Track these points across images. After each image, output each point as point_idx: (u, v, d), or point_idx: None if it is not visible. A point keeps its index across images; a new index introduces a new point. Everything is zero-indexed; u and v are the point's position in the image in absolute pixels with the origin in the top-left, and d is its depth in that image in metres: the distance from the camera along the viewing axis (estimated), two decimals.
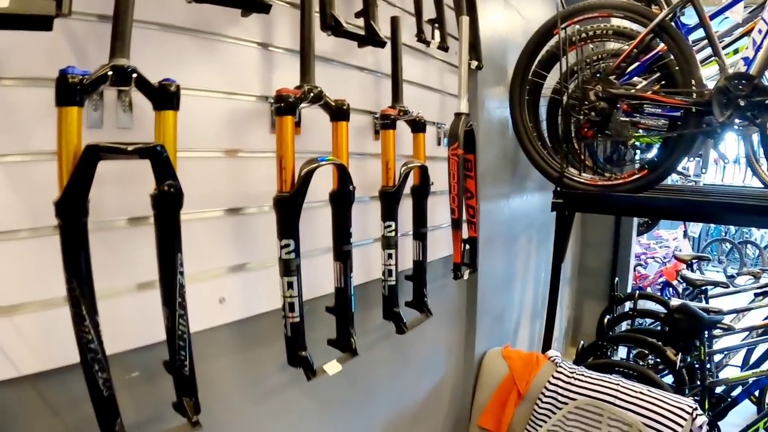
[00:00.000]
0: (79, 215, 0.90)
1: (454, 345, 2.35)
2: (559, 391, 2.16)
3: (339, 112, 1.33)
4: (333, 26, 1.33)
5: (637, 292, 3.90)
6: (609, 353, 3.14)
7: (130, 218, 1.08)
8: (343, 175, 1.30)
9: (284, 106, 1.19)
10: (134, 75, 0.96)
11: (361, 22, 1.47)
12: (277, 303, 1.24)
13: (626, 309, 3.61)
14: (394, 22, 1.57)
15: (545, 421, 2.14)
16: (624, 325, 3.61)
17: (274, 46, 1.33)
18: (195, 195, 1.05)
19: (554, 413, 2.13)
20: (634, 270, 4.56)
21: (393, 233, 1.53)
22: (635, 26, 2.08)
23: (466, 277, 1.99)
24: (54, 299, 0.99)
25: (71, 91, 0.89)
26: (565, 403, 2.12)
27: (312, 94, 1.25)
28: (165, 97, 0.99)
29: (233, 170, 1.26)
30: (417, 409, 2.12)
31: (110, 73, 0.93)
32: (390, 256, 1.54)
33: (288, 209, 1.18)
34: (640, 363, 3.22)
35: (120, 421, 0.97)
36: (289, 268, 1.19)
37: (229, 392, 1.31)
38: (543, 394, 2.18)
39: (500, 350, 2.44)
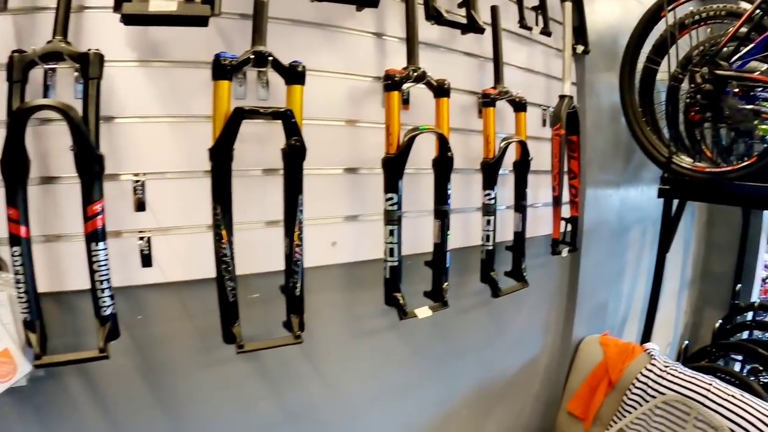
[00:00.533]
0: (226, 159, 1.19)
1: (552, 325, 2.41)
2: (650, 383, 2.11)
3: (440, 90, 1.53)
4: (435, 16, 1.53)
5: (759, 301, 3.58)
6: (718, 361, 2.89)
7: (263, 169, 1.36)
8: (442, 143, 1.49)
9: (391, 83, 1.42)
10: (270, 58, 1.24)
11: (463, 11, 1.64)
12: (379, 253, 1.46)
13: (747, 319, 3.37)
14: (494, 10, 1.73)
15: (631, 412, 2.11)
16: (741, 336, 3.34)
17: (385, 35, 1.57)
18: (319, 155, 1.29)
19: (641, 405, 2.10)
20: (764, 282, 4.14)
21: (492, 201, 1.68)
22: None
23: (564, 254, 2.07)
24: (200, 226, 1.30)
25: (223, 69, 1.18)
26: (654, 397, 2.07)
27: (416, 74, 1.46)
28: (294, 74, 1.27)
29: (351, 137, 1.51)
30: (507, 380, 2.23)
31: (252, 56, 1.22)
32: (489, 222, 1.69)
33: (393, 168, 1.41)
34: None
35: (238, 323, 1.25)
36: (392, 218, 1.41)
37: (330, 324, 1.55)
38: (633, 384, 2.14)
39: (598, 337, 2.44)
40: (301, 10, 1.39)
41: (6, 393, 1.12)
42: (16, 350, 1.13)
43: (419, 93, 1.54)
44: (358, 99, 1.51)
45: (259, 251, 1.34)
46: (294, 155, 1.23)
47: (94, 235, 1.11)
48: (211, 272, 1.23)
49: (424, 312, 1.51)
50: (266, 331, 1.34)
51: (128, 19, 1.14)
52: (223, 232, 1.18)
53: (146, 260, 1.26)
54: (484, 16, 1.67)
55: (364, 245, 1.53)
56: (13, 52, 1.11)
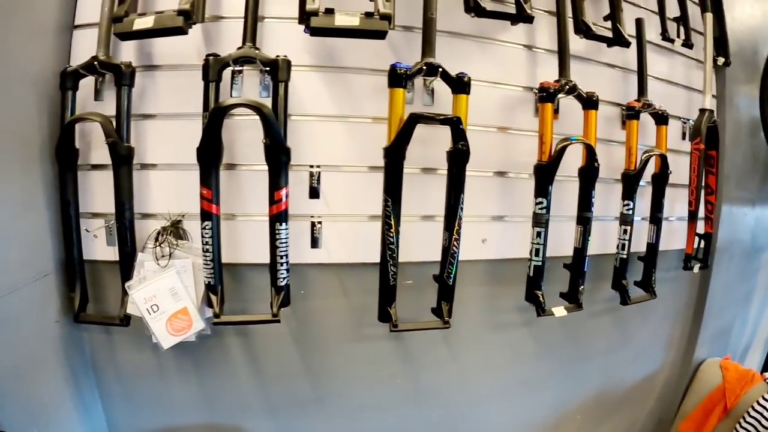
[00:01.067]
0: (399, 158, 1.31)
1: (674, 342, 2.35)
2: (765, 413, 2.01)
3: (589, 102, 1.58)
4: (584, 30, 1.58)
5: None
6: None
7: (422, 168, 1.49)
8: (590, 153, 1.54)
9: (545, 94, 1.50)
10: (440, 69, 1.35)
11: (609, 24, 1.67)
12: (523, 252, 1.53)
13: None
14: (639, 23, 1.74)
15: None
16: None
17: (536, 47, 1.63)
18: (473, 158, 1.37)
19: None
20: None
21: (630, 212, 1.70)
22: None
23: (695, 270, 2.03)
24: (363, 215, 1.47)
25: (399, 78, 1.31)
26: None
27: (568, 87, 1.53)
28: (460, 84, 1.38)
29: (503, 143, 1.60)
30: (624, 392, 2.20)
31: (424, 67, 1.34)
32: (625, 231, 1.71)
33: (545, 174, 1.48)
34: None
35: (395, 305, 1.38)
36: (540, 221, 1.49)
37: (472, 314, 1.65)
38: (748, 413, 2.03)
39: (719, 360, 2.35)
40: (459, 24, 1.50)
41: (174, 345, 1.33)
42: (193, 309, 1.33)
43: (568, 103, 1.60)
44: (510, 107, 1.59)
45: (415, 242, 1.46)
46: (459, 158, 1.35)
47: (279, 217, 1.27)
48: (370, 257, 1.39)
49: (560, 311, 1.57)
50: (415, 315, 1.47)
51: (314, 32, 1.28)
52: (392, 222, 1.31)
53: (315, 242, 1.44)
54: (628, 28, 1.68)
55: (509, 244, 1.61)
56: (208, 55, 1.29)
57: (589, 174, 1.55)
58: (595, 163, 1.54)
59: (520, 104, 1.60)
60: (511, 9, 1.45)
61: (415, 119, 1.28)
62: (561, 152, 1.46)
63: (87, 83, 1.36)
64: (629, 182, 1.69)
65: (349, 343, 1.57)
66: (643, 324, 2.12)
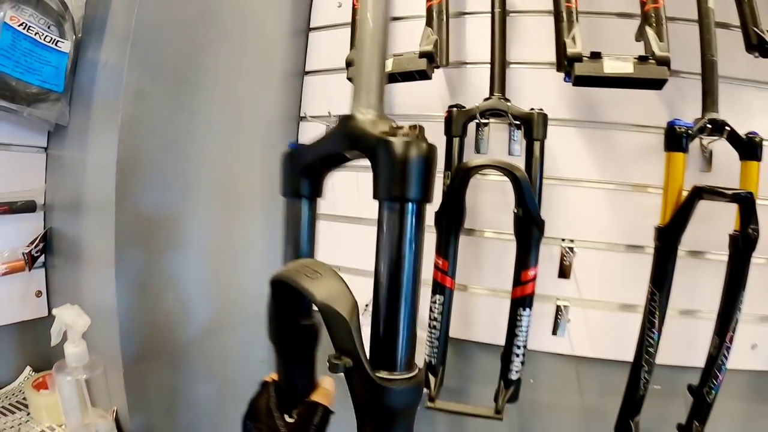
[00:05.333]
0: (674, 241, 1.06)
1: None
2: None
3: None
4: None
5: None
6: None
7: (691, 250, 1.20)
8: None
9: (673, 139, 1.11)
10: (727, 128, 1.07)
11: None
12: None
13: None
14: None
15: None
16: None
17: None
18: None
19: None
20: None
21: None
22: None
23: None
24: (615, 303, 1.21)
25: (679, 139, 1.06)
26: None
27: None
28: (751, 148, 1.08)
29: None
30: None
31: (708, 125, 1.07)
32: None
33: None
34: None
35: (638, 417, 1.12)
36: None
37: None
38: None
39: None
40: (737, 68, 1.18)
41: None
42: None
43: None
44: None
45: (671, 341, 1.19)
46: (746, 245, 1.06)
47: (522, 301, 1.09)
48: (617, 354, 1.16)
49: None
50: (653, 426, 1.20)
51: (578, 81, 1.07)
52: (656, 320, 1.07)
53: (557, 329, 1.23)
54: None
55: None
56: (451, 106, 1.16)
57: None
58: None
59: None
60: None
61: (697, 194, 1.03)
62: None
63: None
64: None
65: None
66: None
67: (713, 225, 1.10)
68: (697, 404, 1.14)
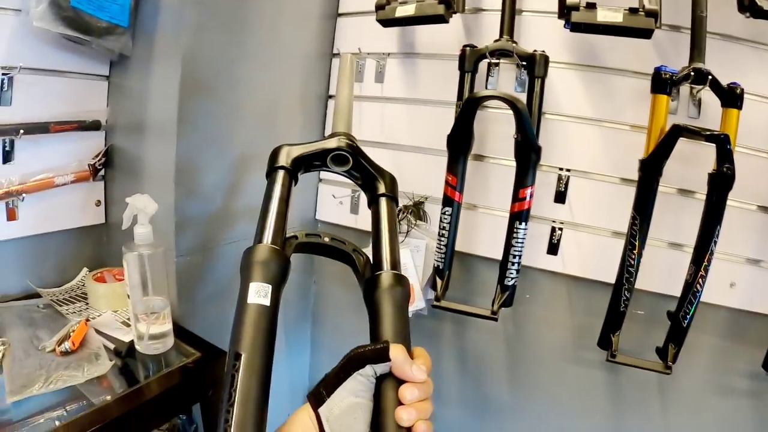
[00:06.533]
0: (655, 173, 1.19)
1: None
2: None
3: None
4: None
5: None
6: None
7: (679, 188, 1.33)
8: None
9: (659, 82, 1.22)
10: (709, 77, 1.19)
11: None
12: None
13: None
14: None
15: None
16: None
17: None
18: (736, 186, 1.19)
19: None
20: None
21: None
22: None
23: None
24: (606, 230, 1.36)
25: (663, 83, 1.18)
26: None
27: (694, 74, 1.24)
28: (732, 97, 1.20)
29: None
30: None
31: (692, 73, 1.19)
32: None
33: None
34: None
35: (619, 333, 1.27)
36: None
37: (696, 368, 1.43)
38: None
39: None
40: (732, 26, 1.29)
41: None
42: (417, 288, 1.38)
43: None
44: None
45: (656, 270, 1.33)
46: (722, 183, 1.18)
47: (519, 215, 1.24)
48: (606, 276, 1.28)
49: None
50: (636, 350, 1.33)
51: (574, 27, 1.21)
52: (636, 243, 1.20)
53: (553, 248, 1.38)
54: None
55: (761, 295, 1.37)
56: (465, 46, 1.30)
57: None
58: None
59: None
60: None
61: (677, 132, 1.15)
62: None
63: None
64: None
65: (560, 361, 1.48)
66: None
67: (703, 167, 1.21)
68: (673, 328, 1.27)
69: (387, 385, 0.56)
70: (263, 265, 0.60)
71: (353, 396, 0.56)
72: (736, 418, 1.49)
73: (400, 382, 0.56)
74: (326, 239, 0.72)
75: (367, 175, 0.76)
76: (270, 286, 0.58)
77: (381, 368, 0.56)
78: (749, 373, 1.39)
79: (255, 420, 0.51)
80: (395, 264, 0.68)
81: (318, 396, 0.57)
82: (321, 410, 0.56)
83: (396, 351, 0.56)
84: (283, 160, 0.72)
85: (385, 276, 0.65)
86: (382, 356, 0.56)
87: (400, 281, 0.65)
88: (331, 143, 0.74)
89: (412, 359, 0.57)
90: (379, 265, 0.67)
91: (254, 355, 0.53)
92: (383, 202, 0.75)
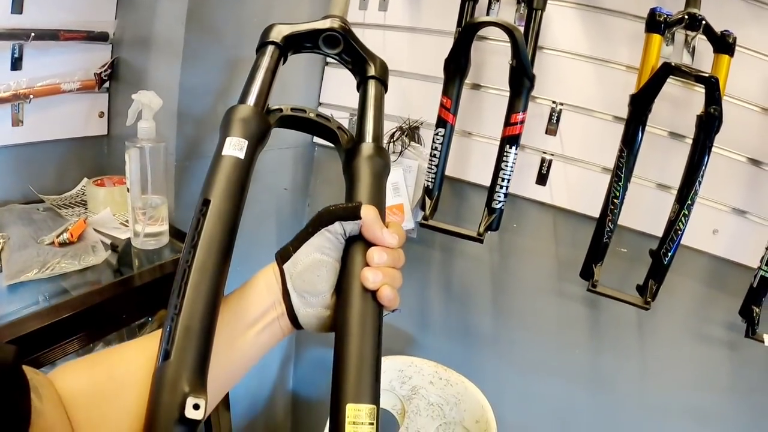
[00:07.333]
0: (644, 109, 1.22)
1: None
2: None
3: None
4: None
5: None
6: None
7: (671, 132, 1.36)
8: None
9: (652, 22, 1.24)
10: (703, 22, 1.21)
11: None
12: (753, 261, 1.30)
13: None
14: None
15: None
16: None
17: None
18: (726, 135, 1.22)
19: None
20: None
21: None
22: None
23: None
24: (595, 165, 1.39)
25: (657, 23, 1.21)
26: None
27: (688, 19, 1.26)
28: (724, 43, 1.22)
29: (765, 128, 1.37)
30: None
31: (686, 17, 1.21)
32: None
33: None
34: None
35: (601, 264, 1.30)
36: None
37: (675, 311, 1.47)
38: None
39: None
40: None
41: None
42: (407, 208, 1.43)
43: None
44: None
45: (642, 209, 1.37)
46: (709, 124, 1.20)
47: (510, 139, 1.27)
48: (593, 211, 1.32)
49: None
50: (618, 287, 1.36)
51: None
52: (622, 175, 1.23)
53: (541, 179, 1.41)
54: None
55: (742, 246, 1.39)
56: None
57: None
58: None
59: None
60: None
61: (667, 69, 1.17)
62: None
63: None
64: None
65: (542, 292, 1.53)
66: None
67: (694, 113, 1.23)
68: (654, 265, 1.31)
69: (356, 247, 0.55)
70: (243, 122, 0.59)
71: (318, 252, 0.54)
72: (709, 363, 1.53)
73: (370, 246, 0.54)
74: (311, 114, 0.71)
75: (358, 57, 0.75)
76: (246, 141, 0.57)
77: (350, 227, 0.54)
78: (726, 323, 1.42)
79: (217, 263, 0.49)
80: (378, 138, 0.67)
81: (285, 253, 0.56)
82: (285, 266, 0.55)
83: (367, 210, 0.54)
84: (274, 36, 0.71)
85: (366, 146, 0.64)
86: (353, 214, 0.54)
87: (381, 153, 0.65)
88: (324, 24, 0.73)
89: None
90: (362, 137, 0.66)
91: (223, 202, 0.52)
92: (372, 83, 0.74)
